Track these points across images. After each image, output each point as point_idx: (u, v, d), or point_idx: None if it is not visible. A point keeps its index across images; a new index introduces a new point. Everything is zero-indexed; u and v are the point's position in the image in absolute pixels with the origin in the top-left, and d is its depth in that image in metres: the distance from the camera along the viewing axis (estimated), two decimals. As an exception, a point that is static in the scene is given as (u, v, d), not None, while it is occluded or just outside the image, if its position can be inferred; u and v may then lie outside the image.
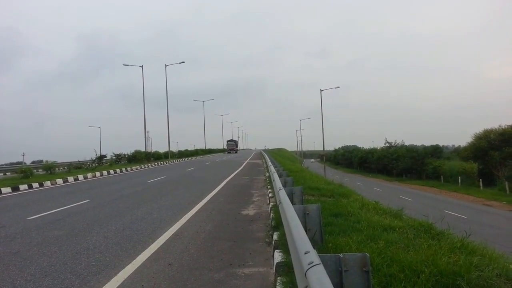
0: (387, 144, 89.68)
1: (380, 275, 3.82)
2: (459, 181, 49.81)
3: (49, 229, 8.04)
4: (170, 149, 51.51)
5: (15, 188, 16.91)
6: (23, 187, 17.46)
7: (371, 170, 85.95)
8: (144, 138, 46.03)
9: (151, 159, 43.64)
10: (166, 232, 7.48)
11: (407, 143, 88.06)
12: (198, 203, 11.30)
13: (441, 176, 56.51)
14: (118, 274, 5.06)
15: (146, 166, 34.79)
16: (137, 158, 40.65)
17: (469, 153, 53.72)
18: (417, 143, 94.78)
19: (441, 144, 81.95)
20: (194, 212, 9.82)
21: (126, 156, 40.87)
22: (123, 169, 29.41)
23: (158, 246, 6.47)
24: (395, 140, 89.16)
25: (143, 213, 9.85)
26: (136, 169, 31.50)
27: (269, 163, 21.16)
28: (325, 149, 64.64)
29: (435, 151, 70.77)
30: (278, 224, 6.85)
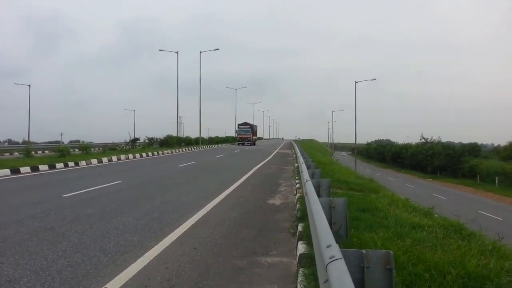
0: (423, 140, 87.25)
1: (405, 274, 3.73)
2: (496, 182, 47.86)
3: (82, 207, 8.36)
4: (201, 135, 52.24)
5: (52, 166, 17.64)
6: (59, 165, 18.18)
7: (404, 166, 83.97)
8: (176, 123, 46.83)
9: (182, 144, 44.38)
10: (193, 217, 7.61)
11: (444, 139, 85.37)
12: (226, 190, 11.41)
13: (478, 176, 54.52)
14: (144, 255, 5.20)
15: (177, 151, 35.43)
16: (168, 142, 41.44)
17: (510, 153, 51.48)
18: (455, 140, 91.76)
19: (479, 142, 78.81)
20: (221, 198, 9.93)
21: (158, 140, 41.74)
22: (155, 153, 30.08)
23: (184, 230, 6.59)
24: (431, 136, 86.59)
25: (172, 197, 10.06)
26: (168, 153, 32.15)
27: (298, 154, 21.04)
28: (357, 142, 63.60)
29: (473, 149, 68.27)
30: (303, 216, 6.82)
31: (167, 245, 5.71)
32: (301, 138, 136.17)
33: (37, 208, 8.23)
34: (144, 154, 27.76)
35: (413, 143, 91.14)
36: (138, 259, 5.02)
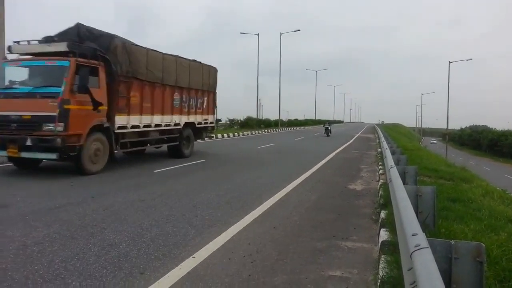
0: (525, 127, 78.35)
1: (498, 269, 3.49)
2: None
3: (171, 183, 8.99)
4: (280, 118, 52.50)
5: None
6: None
7: (503, 155, 76.19)
8: (256, 105, 47.64)
9: (262, 126, 45.06)
10: (272, 197, 7.76)
11: (552, 126, 75.84)
12: (305, 173, 11.41)
13: None
14: (227, 230, 5.47)
15: (257, 133, 36.12)
16: (248, 124, 42.35)
17: None
18: None
19: None
20: (300, 181, 9.97)
21: (239, 121, 42.86)
22: (236, 134, 30.99)
23: (264, 209, 6.78)
24: (536, 122, 77.40)
25: (252, 176, 10.36)
26: (248, 134, 32.93)
27: (382, 139, 20.22)
28: (449, 128, 59.15)
29: None
30: (386, 203, 6.61)
31: (248, 222, 5.94)
32: (385, 122, 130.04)
33: (131, 181, 9.03)
34: (225, 135, 28.74)
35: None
36: (222, 234, 5.30)
